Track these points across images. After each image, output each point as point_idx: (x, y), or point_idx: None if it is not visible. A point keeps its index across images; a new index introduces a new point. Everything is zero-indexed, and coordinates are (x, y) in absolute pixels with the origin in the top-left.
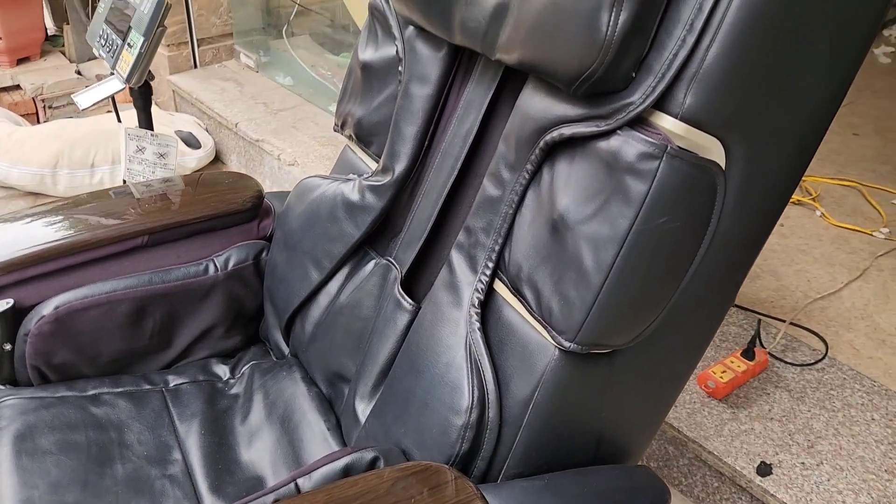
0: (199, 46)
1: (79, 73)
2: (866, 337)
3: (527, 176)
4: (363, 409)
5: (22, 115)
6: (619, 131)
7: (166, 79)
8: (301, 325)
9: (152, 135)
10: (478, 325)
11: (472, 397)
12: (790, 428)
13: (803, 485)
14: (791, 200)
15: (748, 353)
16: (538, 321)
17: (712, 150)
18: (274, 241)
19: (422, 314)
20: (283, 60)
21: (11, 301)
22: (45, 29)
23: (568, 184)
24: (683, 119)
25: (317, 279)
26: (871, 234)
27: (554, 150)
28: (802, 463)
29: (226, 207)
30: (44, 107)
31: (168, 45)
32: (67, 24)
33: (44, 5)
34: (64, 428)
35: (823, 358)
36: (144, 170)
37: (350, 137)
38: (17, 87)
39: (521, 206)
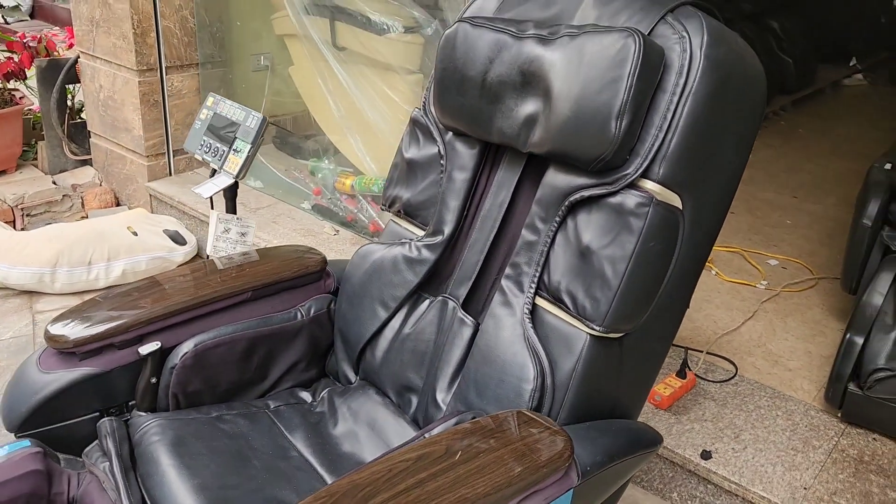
0: (174, 157)
1: (54, 183)
2: (763, 360)
3: (556, 225)
4: (443, 398)
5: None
6: (621, 191)
7: (144, 185)
8: (371, 354)
9: (238, 218)
10: (530, 326)
11: (536, 370)
12: (719, 425)
13: (735, 463)
14: None
15: (681, 374)
16: (574, 317)
17: (674, 201)
18: (341, 293)
19: (484, 326)
20: (253, 167)
21: (159, 343)
22: (31, 144)
23: (588, 226)
24: (659, 182)
25: (384, 317)
26: (755, 286)
27: (575, 207)
28: (732, 448)
29: (304, 270)
30: (22, 215)
31: (147, 157)
32: (40, 140)
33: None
34: (205, 438)
35: (735, 376)
36: (227, 246)
37: (398, 213)
38: None
39: (553, 245)
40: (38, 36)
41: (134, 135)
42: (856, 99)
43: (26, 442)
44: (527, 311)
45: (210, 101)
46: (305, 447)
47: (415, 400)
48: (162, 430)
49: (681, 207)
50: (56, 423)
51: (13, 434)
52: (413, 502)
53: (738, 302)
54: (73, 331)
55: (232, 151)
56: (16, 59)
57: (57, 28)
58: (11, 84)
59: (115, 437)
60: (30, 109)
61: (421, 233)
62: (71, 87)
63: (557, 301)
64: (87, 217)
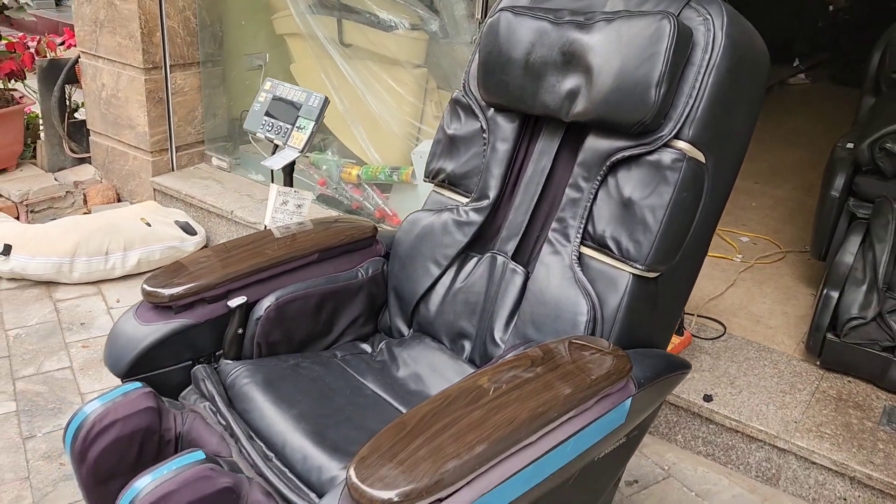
0: (177, 152)
1: (56, 180)
2: (747, 320)
3: (597, 183)
4: (501, 336)
5: None
6: (657, 150)
7: (148, 180)
8: (425, 307)
9: (295, 191)
10: (579, 269)
11: (588, 304)
12: (716, 374)
13: (733, 404)
14: None
15: (679, 332)
16: (618, 260)
17: (701, 158)
18: (393, 256)
19: (535, 273)
20: (253, 161)
21: (245, 298)
22: (28, 142)
23: (628, 181)
24: (689, 142)
25: (436, 274)
26: (732, 259)
27: (615, 166)
28: (730, 392)
29: (360, 235)
30: (26, 211)
31: (152, 152)
32: (36, 139)
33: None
34: (290, 379)
35: (724, 334)
36: (284, 217)
37: (441, 183)
38: None
39: (595, 200)
40: (37, 37)
41: (138, 131)
42: (800, 96)
43: (137, 384)
44: (574, 258)
45: (268, 84)
46: (377, 387)
47: (468, 345)
48: (251, 373)
49: (705, 162)
50: (154, 371)
51: (120, 379)
52: (483, 416)
53: (719, 273)
54: (169, 287)
55: (295, 129)
56: (17, 60)
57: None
58: (10, 84)
59: (213, 380)
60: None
61: (464, 200)
62: (67, 87)
63: (602, 247)
64: (89, 213)
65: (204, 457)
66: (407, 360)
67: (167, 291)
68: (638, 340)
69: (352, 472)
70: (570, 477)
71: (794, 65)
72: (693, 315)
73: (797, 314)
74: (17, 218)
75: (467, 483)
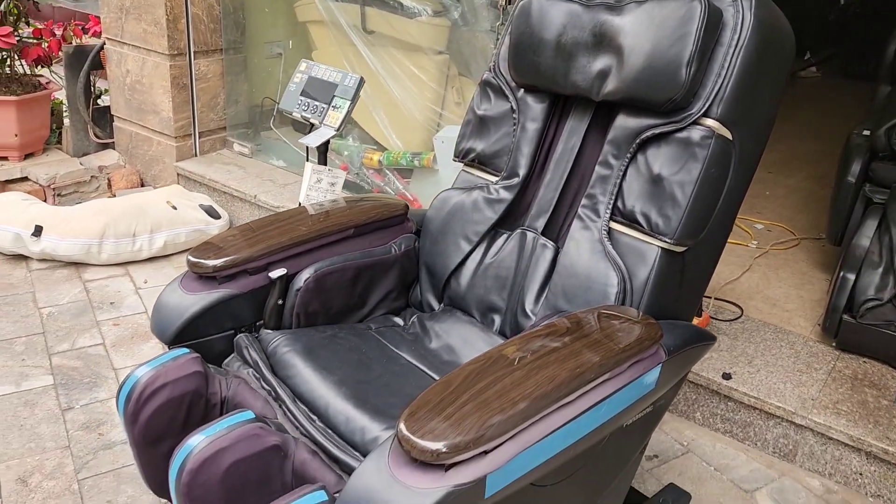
0: (200, 138)
1: (81, 164)
2: (763, 303)
3: (627, 160)
4: (532, 309)
5: None
6: (687, 128)
7: (172, 165)
8: (456, 282)
9: (329, 169)
10: (608, 243)
11: (618, 276)
12: (734, 354)
13: (752, 382)
14: None
15: (698, 314)
16: (647, 234)
17: (728, 135)
18: (424, 233)
19: (565, 247)
20: (274, 147)
21: (285, 269)
22: (52, 127)
23: (658, 158)
24: (717, 120)
25: (467, 249)
26: (748, 245)
27: (645, 143)
28: (748, 371)
29: (393, 212)
30: (53, 194)
31: (176, 138)
32: (59, 125)
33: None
34: (328, 348)
35: (741, 317)
36: (318, 195)
37: (471, 163)
38: (25, 178)
39: (625, 177)
40: (64, 24)
41: (163, 117)
42: (811, 89)
43: (185, 349)
44: (604, 232)
45: (303, 66)
46: (411, 357)
47: (498, 318)
48: (291, 342)
49: (732, 140)
50: (198, 339)
51: (167, 346)
52: (524, 375)
53: (735, 258)
54: (213, 258)
55: (331, 108)
56: (44, 46)
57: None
58: (37, 70)
59: (255, 348)
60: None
61: (493, 178)
62: (92, 73)
63: (632, 223)
64: (114, 196)
65: (253, 416)
66: (439, 333)
67: (211, 262)
68: (665, 312)
69: (402, 426)
70: (601, 440)
71: (805, 58)
72: (710, 298)
73: (812, 298)
74: (45, 201)
75: (511, 437)
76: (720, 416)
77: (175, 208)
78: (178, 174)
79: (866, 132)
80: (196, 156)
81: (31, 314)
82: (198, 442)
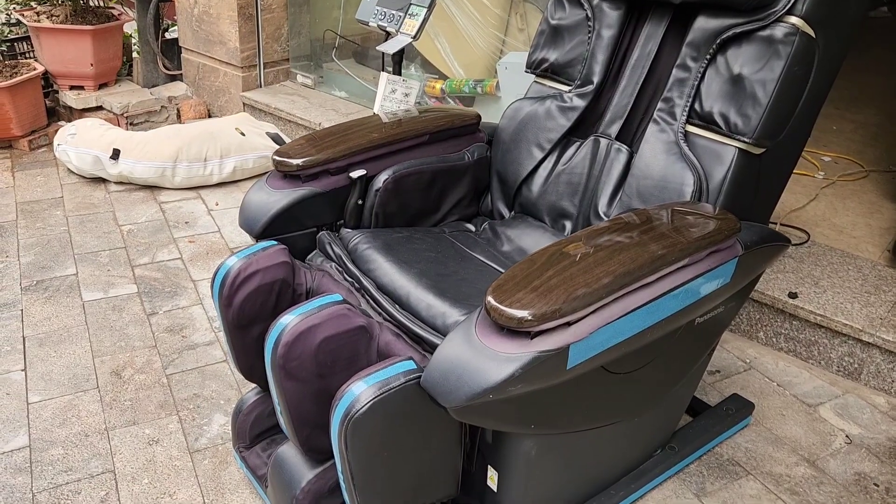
0: (264, 69)
1: (151, 94)
2: (830, 230)
3: (706, 62)
4: (605, 211)
5: None
6: (770, 25)
7: (238, 96)
8: (528, 189)
9: (403, 80)
10: (685, 145)
11: (695, 176)
12: (800, 275)
13: (818, 301)
14: None
15: None
16: (725, 135)
17: (812, 34)
18: (497, 141)
19: (640, 150)
20: (336, 78)
21: (365, 171)
22: (123, 59)
23: (739, 57)
24: (802, 17)
25: (539, 157)
26: (814, 176)
27: (725, 44)
28: (814, 291)
29: (466, 121)
30: (126, 123)
31: (242, 68)
32: (133, 56)
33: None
34: (406, 245)
35: (807, 241)
36: (392, 105)
37: (543, 73)
38: (100, 107)
39: (703, 79)
40: None
41: (229, 47)
42: (882, 29)
43: (273, 241)
44: (681, 134)
45: None
46: (485, 258)
47: (569, 224)
48: (371, 239)
49: (816, 38)
50: (283, 234)
51: (255, 239)
52: (607, 255)
53: (801, 188)
54: (298, 157)
55: (408, 16)
56: None
57: None
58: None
59: (338, 244)
60: None
61: (566, 88)
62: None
63: (709, 124)
64: (212, 118)
65: (341, 298)
66: (511, 237)
67: (296, 161)
68: (741, 213)
69: (490, 297)
70: (676, 330)
71: None
72: (776, 224)
73: (882, 226)
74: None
75: (594, 311)
76: (784, 336)
77: (243, 135)
78: (243, 104)
79: None
80: (261, 87)
81: (113, 231)
82: (292, 318)
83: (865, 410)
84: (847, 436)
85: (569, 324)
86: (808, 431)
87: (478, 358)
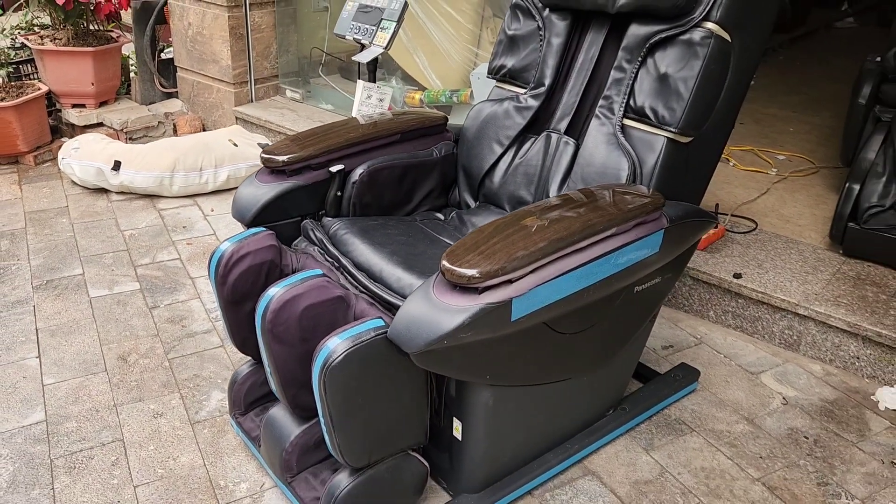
0: (255, 85)
1: (149, 110)
2: (777, 219)
3: (638, 63)
4: (554, 191)
5: None
6: (689, 30)
7: (231, 110)
8: (490, 181)
9: (377, 86)
10: (622, 136)
11: (629, 162)
12: (745, 259)
13: (760, 280)
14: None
15: (714, 225)
16: (655, 127)
17: (727, 37)
18: (462, 139)
19: (584, 142)
20: (323, 92)
21: (342, 165)
22: (121, 78)
23: (664, 59)
24: (716, 23)
25: (499, 152)
26: (767, 173)
27: (653, 47)
28: (757, 272)
29: (434, 122)
30: (126, 138)
31: (234, 84)
32: (131, 75)
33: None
34: (380, 230)
35: (755, 229)
36: (368, 109)
37: (503, 78)
38: (101, 124)
39: (636, 79)
40: None
41: (222, 65)
42: (847, 39)
43: (262, 228)
44: (618, 127)
45: None
46: (451, 241)
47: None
48: (349, 225)
49: (731, 42)
50: (271, 223)
51: (245, 227)
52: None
53: (754, 183)
54: (282, 154)
55: (380, 29)
56: (114, 2)
57: None
58: (108, 25)
59: (320, 230)
60: None
61: (522, 90)
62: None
63: (642, 117)
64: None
65: (321, 273)
66: (475, 223)
67: (281, 158)
68: (672, 194)
69: (444, 260)
70: (615, 295)
71: (843, 8)
72: (727, 215)
73: (825, 216)
74: None
75: (532, 271)
76: (731, 313)
77: (236, 146)
78: (236, 118)
79: (878, 59)
80: (252, 101)
81: (115, 235)
82: (278, 289)
83: (802, 377)
84: (784, 398)
85: (511, 281)
86: (749, 395)
87: (434, 311)
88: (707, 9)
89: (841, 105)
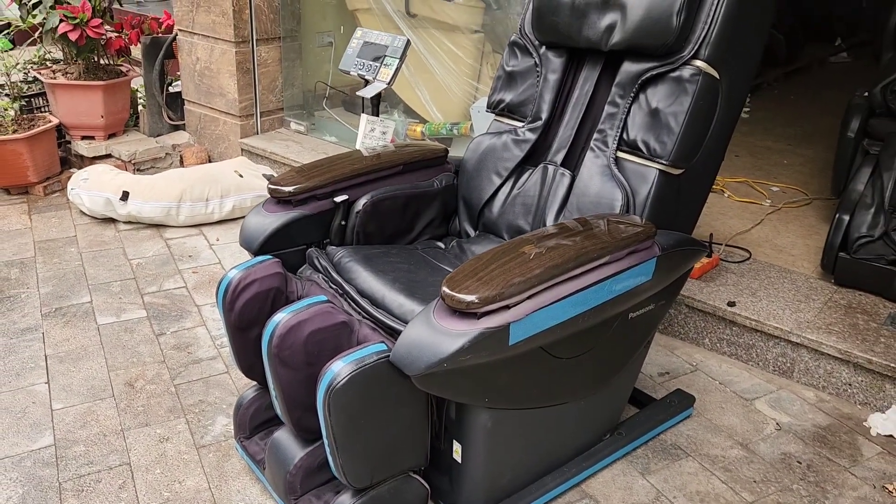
0: (261, 117)
1: (157, 142)
2: (771, 250)
3: (631, 98)
4: (551, 221)
5: None
6: (679, 67)
7: (237, 142)
8: (489, 211)
9: (381, 120)
10: (615, 168)
11: (623, 193)
12: (739, 287)
13: (754, 308)
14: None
15: (708, 254)
16: (647, 159)
17: (715, 74)
18: (462, 171)
19: (580, 174)
20: (327, 125)
21: (347, 196)
22: (130, 111)
23: (655, 95)
24: (705, 61)
25: (498, 183)
26: (761, 204)
27: (645, 84)
28: (751, 300)
29: (435, 154)
30: (134, 169)
31: (240, 117)
32: (139, 108)
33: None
34: (383, 258)
35: (749, 259)
36: (372, 142)
37: (501, 112)
38: (109, 155)
39: (629, 114)
40: (140, 17)
41: (228, 99)
42: (841, 74)
43: (268, 256)
44: (612, 159)
45: (358, 33)
46: (451, 269)
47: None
48: (352, 254)
49: (719, 78)
50: (277, 251)
51: (252, 255)
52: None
53: (748, 214)
54: (289, 185)
55: (383, 66)
56: (124, 38)
57: None
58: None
59: (324, 258)
60: None
61: (520, 124)
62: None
63: (634, 150)
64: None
65: (326, 299)
66: (475, 251)
67: (287, 188)
68: (665, 224)
69: (444, 286)
70: (611, 321)
71: (836, 43)
72: (722, 245)
73: (818, 246)
74: None
75: (529, 297)
76: (726, 341)
77: (241, 176)
78: (241, 150)
79: (865, 93)
80: (258, 133)
81: (123, 264)
82: (284, 315)
83: (796, 403)
84: (777, 423)
85: (508, 307)
86: (743, 421)
87: (434, 335)
88: (696, 47)
89: (834, 138)
